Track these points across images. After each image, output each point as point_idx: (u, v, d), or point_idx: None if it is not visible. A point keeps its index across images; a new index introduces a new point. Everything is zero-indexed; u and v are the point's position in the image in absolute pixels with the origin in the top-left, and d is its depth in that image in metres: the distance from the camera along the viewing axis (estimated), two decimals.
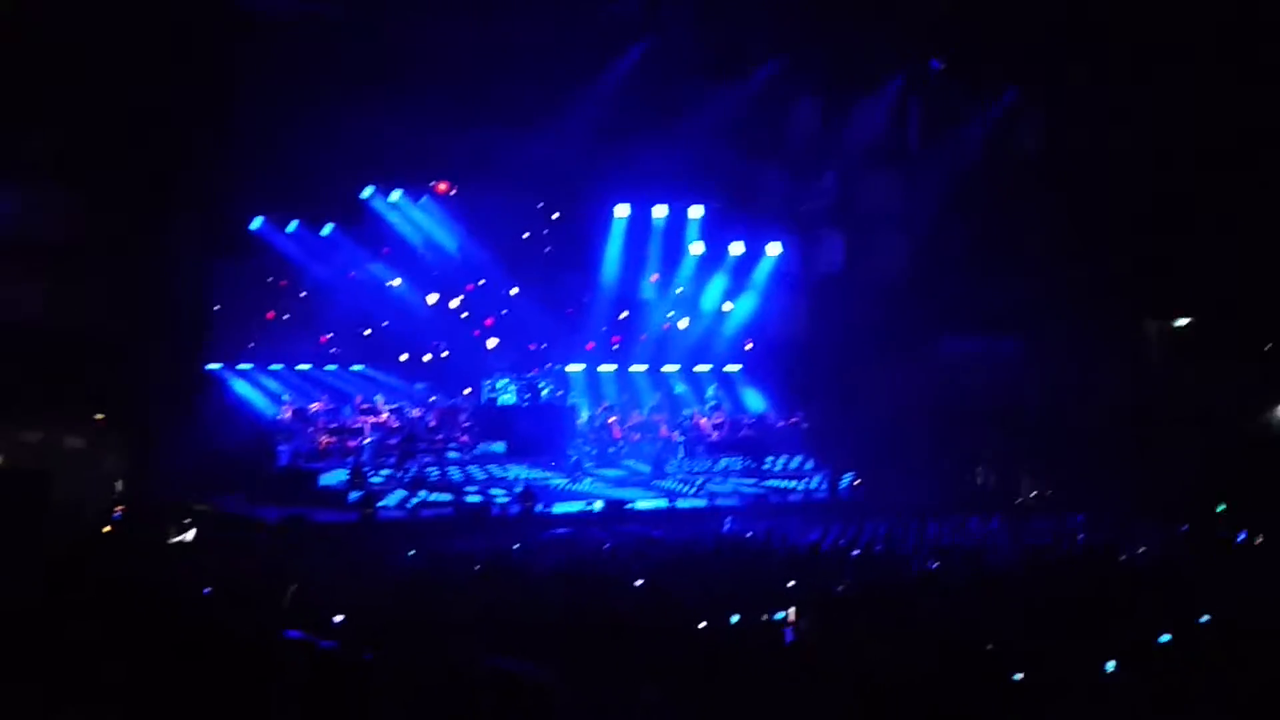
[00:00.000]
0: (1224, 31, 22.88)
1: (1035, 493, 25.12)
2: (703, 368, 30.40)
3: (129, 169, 21.87)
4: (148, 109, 21.37)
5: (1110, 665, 9.41)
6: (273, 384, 26.57)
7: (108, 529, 19.58)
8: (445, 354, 28.36)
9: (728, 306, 30.03)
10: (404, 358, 27.97)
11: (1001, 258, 26.25)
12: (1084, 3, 23.51)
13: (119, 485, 22.13)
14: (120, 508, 20.73)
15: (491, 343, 28.53)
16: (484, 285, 28.55)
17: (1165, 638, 10.23)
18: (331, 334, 27.67)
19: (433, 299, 27.96)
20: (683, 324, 30.18)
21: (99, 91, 20.97)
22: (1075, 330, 25.93)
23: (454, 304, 28.34)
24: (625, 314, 29.78)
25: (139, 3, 20.92)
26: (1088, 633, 10.78)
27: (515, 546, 17.07)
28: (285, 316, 27.23)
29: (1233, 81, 23.31)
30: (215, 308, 25.44)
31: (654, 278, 29.60)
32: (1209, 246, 24.61)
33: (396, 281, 27.81)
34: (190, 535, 18.55)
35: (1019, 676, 9.01)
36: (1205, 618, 10.44)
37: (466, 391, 27.51)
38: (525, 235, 28.81)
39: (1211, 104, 23.63)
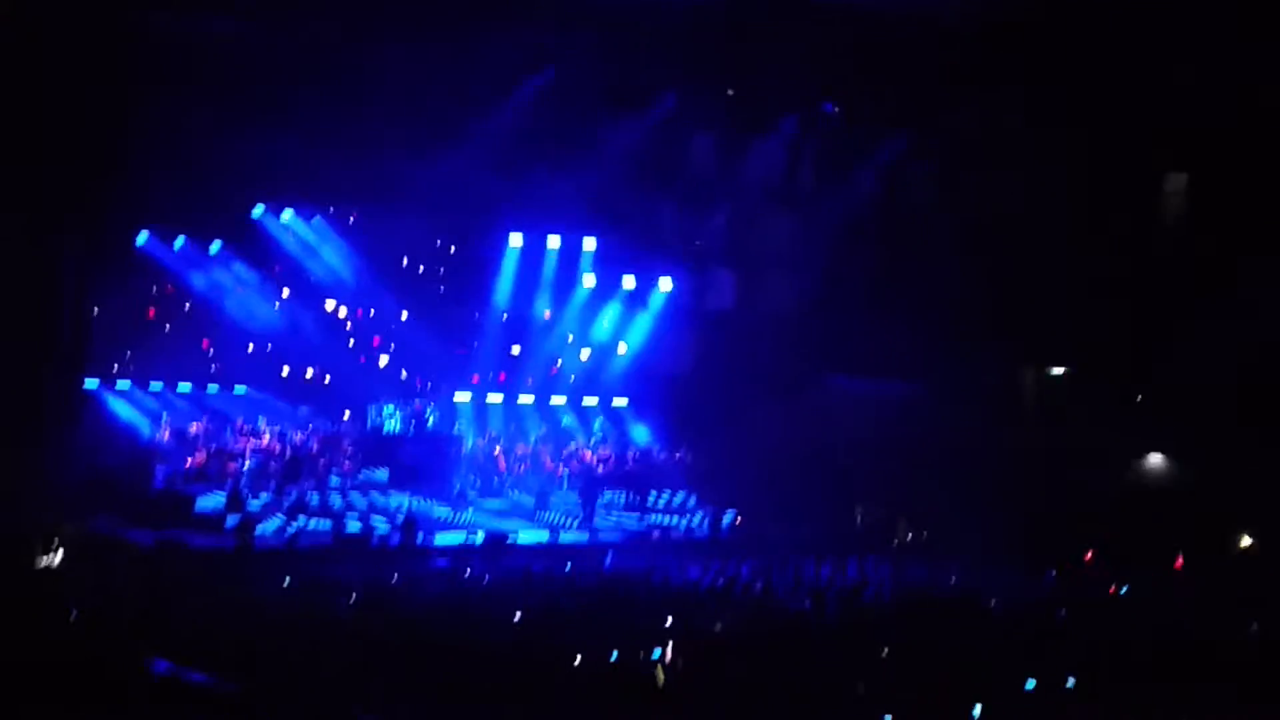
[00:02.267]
0: (1111, 75, 23.54)
1: (912, 535, 25.45)
2: (590, 400, 30.40)
3: (11, 179, 21.32)
4: (36, 117, 20.87)
5: (977, 710, 9.61)
6: (152, 403, 26.04)
7: None
8: (327, 379, 28.02)
9: (621, 347, 30.07)
10: (285, 371, 27.58)
11: (890, 300, 26.62)
12: (971, 49, 24.03)
13: None
14: None
15: (383, 360, 28.27)
16: (374, 309, 28.30)
17: (1030, 684, 10.48)
18: (213, 352, 27.22)
19: (328, 309, 27.65)
20: (584, 354, 30.14)
21: None
22: (957, 375, 26.35)
23: (341, 313, 28.03)
24: (516, 348, 29.67)
25: (32, 13, 20.45)
26: (956, 676, 10.99)
27: (394, 578, 16.91)
28: (167, 331, 26.73)
29: (1119, 127, 24.00)
30: (95, 322, 24.85)
31: (546, 314, 29.56)
32: (1088, 296, 25.22)
33: (282, 300, 27.44)
34: (58, 558, 18.05)
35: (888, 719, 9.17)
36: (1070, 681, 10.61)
37: (346, 415, 27.22)
38: (417, 265, 28.64)
39: (1098, 151, 24.30)
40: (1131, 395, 26.34)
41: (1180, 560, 21.70)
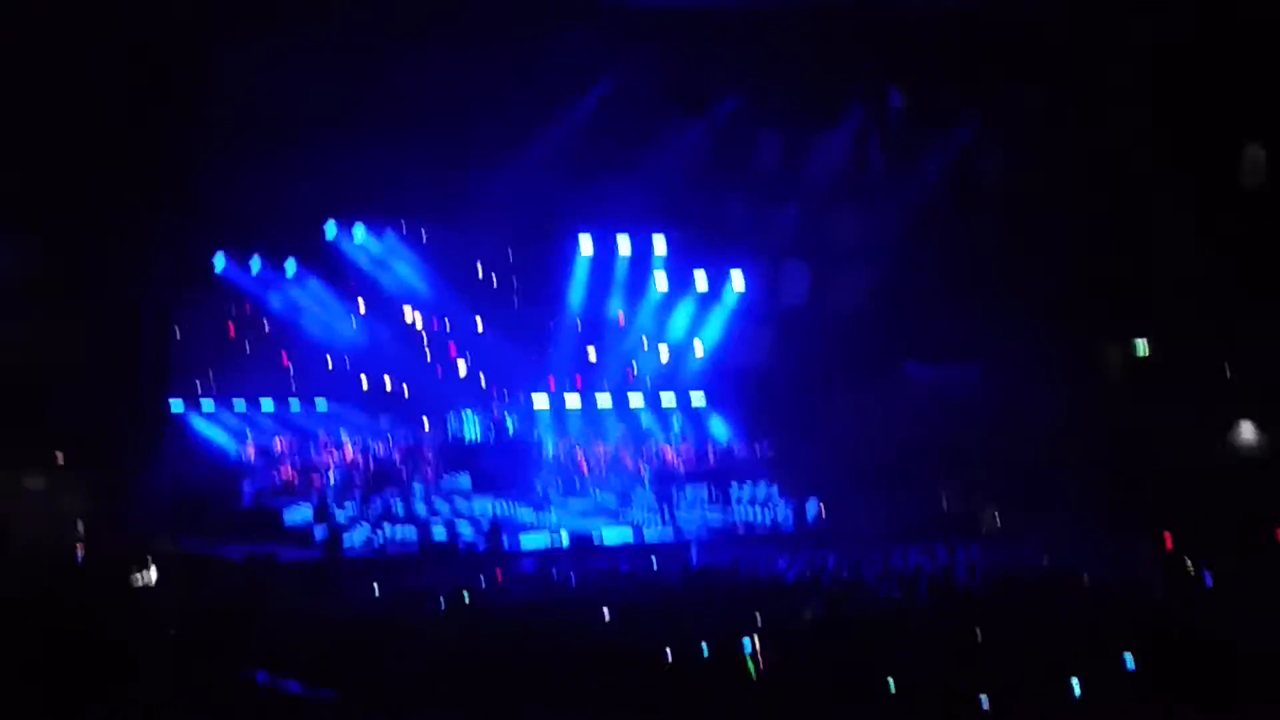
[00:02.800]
0: (1175, 58, 23.19)
1: (1000, 517, 25.19)
2: (668, 399, 30.41)
3: (89, 208, 21.73)
4: (108, 147, 21.26)
5: (1076, 686, 9.48)
6: (236, 422, 26.42)
7: (70, 571, 19.40)
8: (406, 390, 28.27)
9: (697, 345, 30.04)
10: (364, 383, 27.84)
11: (963, 285, 26.40)
12: (1039, 32, 23.77)
13: (80, 525, 21.90)
14: (81, 547, 20.52)
15: (461, 367, 28.48)
16: (449, 319, 28.53)
17: (1130, 661, 10.31)
18: (293, 369, 27.57)
19: (405, 319, 27.89)
20: (663, 354, 30.15)
21: (57, 130, 20.84)
22: (1036, 355, 26.07)
23: (418, 324, 28.27)
24: (593, 351, 29.74)
25: (100, 41, 20.83)
26: (1052, 654, 10.84)
27: (482, 583, 17.01)
28: (248, 352, 27.11)
29: (1185, 103, 23.63)
30: (177, 346, 25.27)
31: (620, 316, 29.62)
32: (1166, 270, 24.86)
33: (358, 315, 27.74)
34: (153, 576, 18.36)
35: (986, 703, 9.07)
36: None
37: (425, 424, 27.45)
38: (489, 274, 28.81)
39: (1166, 128, 23.93)
40: (1218, 368, 25.90)
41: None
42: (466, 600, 15.28)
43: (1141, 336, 27.35)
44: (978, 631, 11.94)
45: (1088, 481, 23.43)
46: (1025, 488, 24.58)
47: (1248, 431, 25.94)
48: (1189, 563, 17.15)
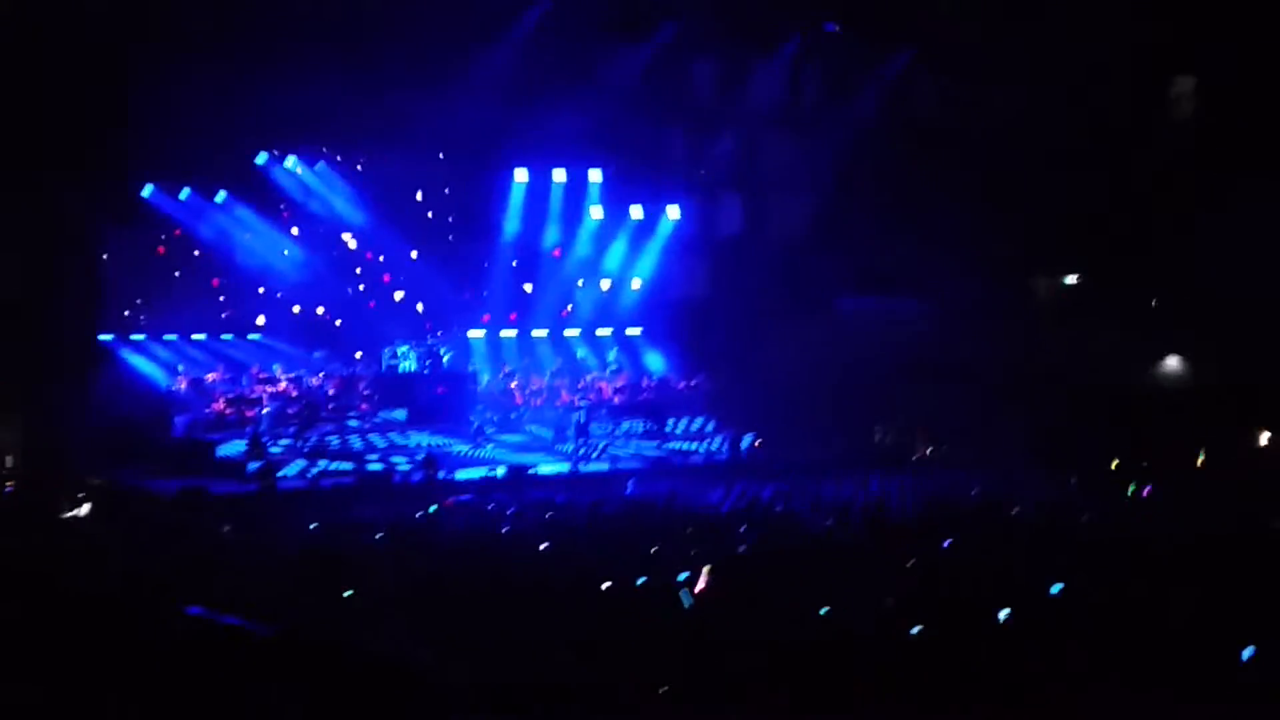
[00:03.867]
0: None
1: (932, 449, 25.54)
2: (604, 331, 30.42)
3: (15, 136, 21.29)
4: (35, 74, 20.80)
5: (1004, 613, 9.67)
6: (167, 354, 26.13)
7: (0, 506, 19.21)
8: (338, 322, 28.07)
9: (634, 280, 30.00)
10: (296, 310, 27.60)
11: (899, 218, 26.56)
12: None
13: (9, 460, 21.66)
14: (10, 483, 20.30)
15: (398, 296, 28.29)
16: (383, 250, 28.29)
17: (1057, 587, 10.53)
18: (226, 300, 27.26)
19: (346, 245, 27.64)
20: (604, 285, 30.07)
21: None
22: (970, 288, 26.35)
23: (351, 249, 28.05)
24: (529, 286, 29.64)
25: None
26: (983, 583, 11.06)
27: (418, 514, 17.02)
28: (179, 282, 26.76)
29: (1125, 32, 23.81)
30: (106, 277, 24.90)
31: (555, 253, 29.52)
32: (1097, 204, 25.14)
33: (290, 246, 27.44)
34: (85, 510, 18.21)
35: (916, 630, 9.22)
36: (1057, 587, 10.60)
37: (358, 355, 27.31)
38: (423, 205, 28.53)
39: (1103, 57, 24.11)
40: (1144, 300, 26.32)
41: (1201, 459, 21.74)
42: (404, 531, 15.30)
43: (1073, 268, 27.72)
44: (909, 561, 12.15)
45: (1020, 414, 23.79)
46: (957, 420, 24.91)
47: (1173, 362, 26.45)
48: (1121, 488, 17.58)
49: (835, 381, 25.96)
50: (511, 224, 28.89)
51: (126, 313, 25.95)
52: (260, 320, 27.49)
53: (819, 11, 26.93)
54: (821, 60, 27.76)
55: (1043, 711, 7.98)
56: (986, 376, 25.08)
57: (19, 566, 11.08)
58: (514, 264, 29.33)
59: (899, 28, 26.59)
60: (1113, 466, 20.82)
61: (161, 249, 26.45)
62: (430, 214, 28.77)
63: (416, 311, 28.53)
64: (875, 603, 10.26)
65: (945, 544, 13.27)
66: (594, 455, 24.60)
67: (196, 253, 26.74)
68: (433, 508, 17.45)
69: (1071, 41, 24.07)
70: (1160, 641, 8.92)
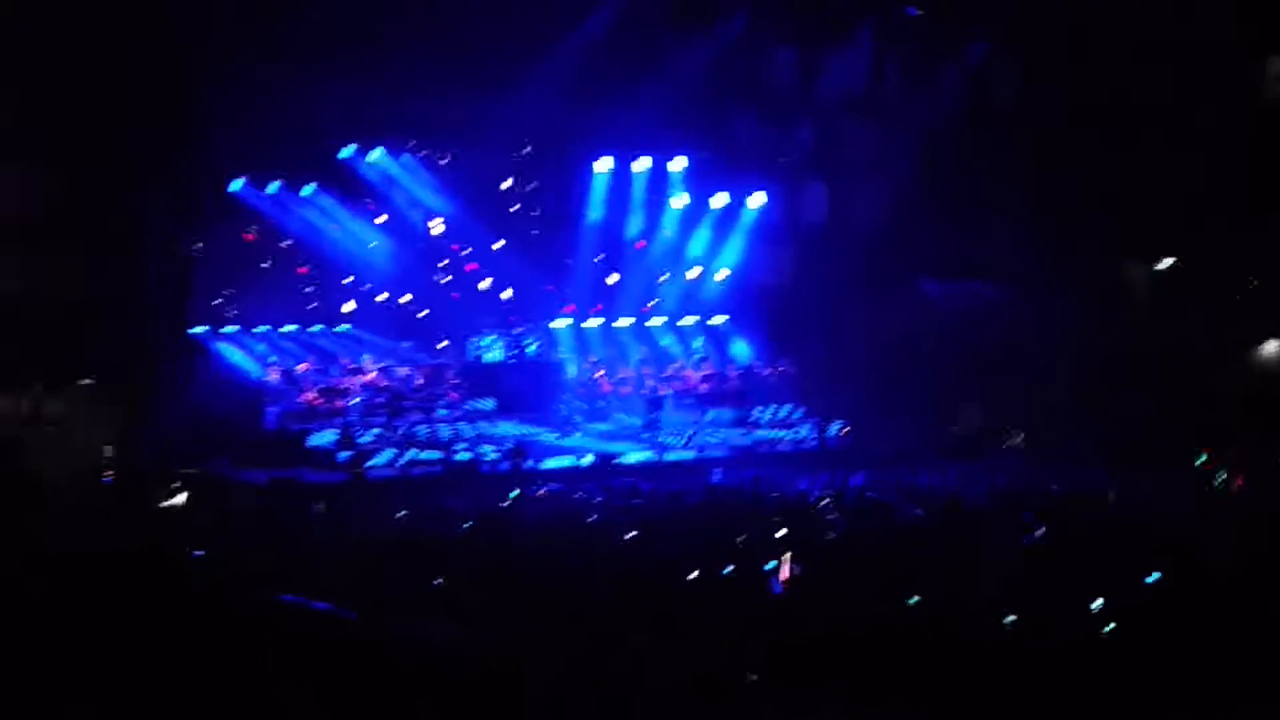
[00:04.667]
0: None
1: (1020, 437, 25.20)
2: (689, 320, 30.40)
3: (105, 136, 21.68)
4: (122, 74, 21.16)
5: (1098, 604, 9.52)
6: (258, 346, 26.51)
7: (98, 495, 19.61)
8: (424, 313, 28.31)
9: (718, 268, 29.93)
10: (383, 297, 27.88)
11: (982, 201, 26.24)
12: None
13: (108, 450, 22.11)
14: (109, 474, 20.71)
15: (484, 284, 28.46)
16: (469, 242, 28.50)
17: (1153, 577, 10.34)
18: (315, 292, 27.60)
19: (432, 231, 27.84)
20: (691, 274, 30.06)
21: (70, 58, 20.77)
22: (1057, 273, 25.98)
23: (437, 234, 28.30)
24: (614, 277, 29.71)
25: None
26: (1077, 573, 10.89)
27: (504, 504, 17.12)
28: (268, 275, 27.14)
29: (1213, 12, 23.33)
30: (196, 271, 25.30)
31: (639, 245, 29.56)
32: (1190, 186, 24.64)
33: (377, 239, 27.73)
34: (180, 500, 18.55)
35: (1011, 619, 9.11)
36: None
37: (442, 345, 27.52)
38: (507, 196, 28.68)
39: (1192, 38, 23.63)
40: (1240, 284, 25.75)
41: None
42: (491, 520, 15.40)
43: (1161, 253, 27.19)
44: (997, 550, 12.01)
45: (1108, 401, 23.39)
46: (1044, 406, 24.57)
47: (1271, 347, 25.84)
48: (1213, 478, 17.20)
49: (920, 367, 25.75)
50: (595, 214, 28.97)
51: (218, 305, 26.35)
52: (349, 306, 27.77)
53: None
54: (902, 44, 27.47)
55: (1136, 702, 7.84)
56: (1075, 363, 24.69)
57: (117, 554, 11.28)
58: (598, 255, 29.40)
59: (979, 10, 26.26)
60: (1200, 460, 20.36)
61: (253, 245, 26.81)
62: (515, 205, 28.91)
63: (501, 301, 28.70)
64: (967, 592, 10.16)
65: (1038, 533, 13.09)
66: (680, 444, 24.59)
67: (286, 245, 27.08)
68: (514, 493, 17.59)
69: (1160, 20, 23.60)
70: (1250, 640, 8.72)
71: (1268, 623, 9.01)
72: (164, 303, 23.72)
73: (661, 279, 30.15)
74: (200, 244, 25.10)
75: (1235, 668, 8.20)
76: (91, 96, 21.25)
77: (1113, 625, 9.07)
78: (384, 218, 27.78)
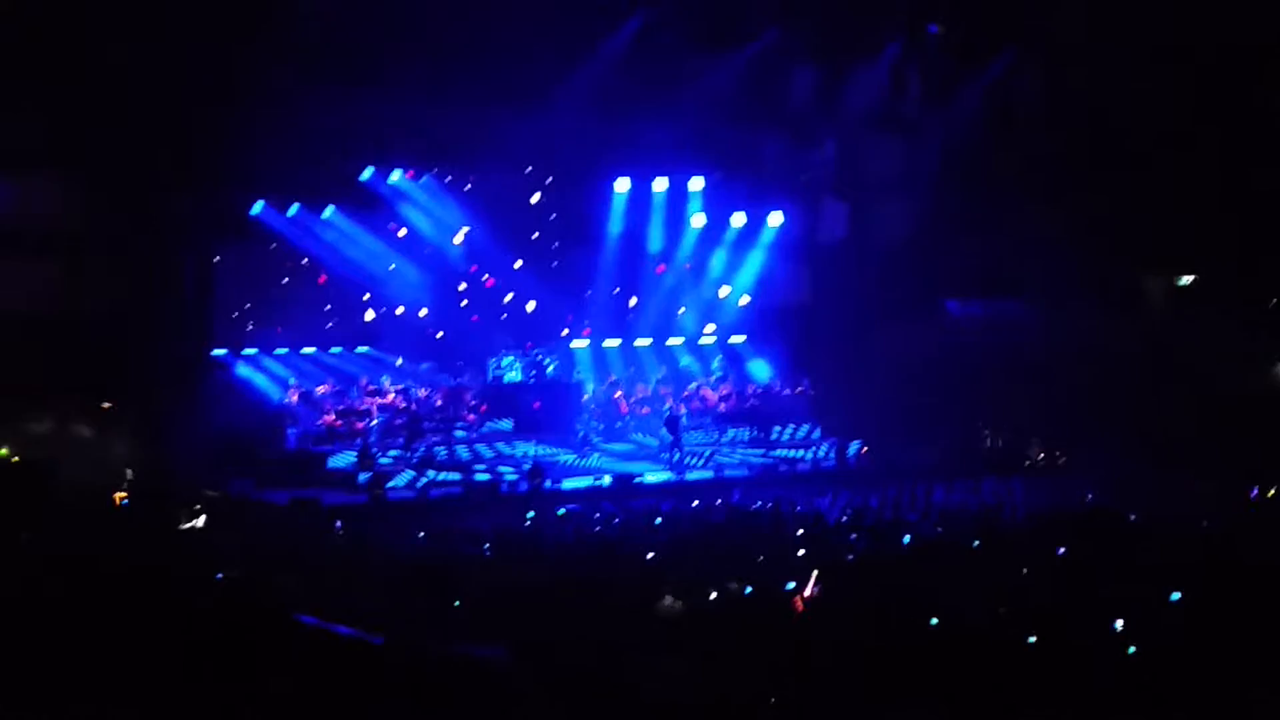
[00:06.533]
0: None
1: (1043, 454, 25.09)
2: (708, 339, 30.38)
3: (128, 155, 21.80)
4: (144, 95, 21.28)
5: (1118, 624, 9.44)
6: (278, 368, 26.59)
7: (117, 516, 19.63)
8: (439, 334, 28.37)
9: (739, 288, 29.93)
10: (400, 310, 27.95)
11: (1003, 219, 26.18)
12: None
13: (129, 473, 22.16)
14: (126, 495, 20.75)
15: (506, 299, 28.53)
16: (487, 263, 28.56)
17: (1176, 595, 10.26)
18: (334, 313, 27.70)
19: (447, 264, 27.89)
20: (709, 294, 30.08)
21: (95, 77, 20.90)
22: (1079, 289, 25.88)
23: (457, 273, 28.38)
24: (634, 301, 29.75)
25: None
26: (1098, 592, 10.82)
27: (526, 523, 17.10)
28: (288, 297, 27.25)
29: (1232, 25, 23.25)
30: (217, 292, 25.39)
31: (660, 269, 29.60)
32: (1210, 203, 24.54)
33: (396, 260, 27.81)
34: (201, 521, 18.57)
35: (1033, 639, 9.05)
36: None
37: (465, 367, 27.58)
38: (526, 217, 28.73)
39: (1210, 52, 23.56)
40: (1262, 299, 25.63)
41: None
42: (510, 540, 15.38)
43: (1184, 267, 27.09)
44: (1022, 569, 11.93)
45: (1133, 416, 23.26)
46: (1068, 424, 24.46)
47: None
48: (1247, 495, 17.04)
49: (943, 386, 25.65)
50: (614, 234, 28.99)
51: (240, 328, 26.45)
52: (369, 316, 27.80)
53: (921, 14, 26.63)
54: (923, 62, 27.45)
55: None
56: (1098, 379, 24.58)
57: (138, 575, 11.30)
58: (617, 274, 29.42)
59: (1001, 26, 26.23)
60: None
61: (271, 269, 26.92)
62: (532, 225, 28.98)
63: (521, 322, 28.73)
64: (988, 611, 10.10)
65: (1060, 551, 13.01)
66: (697, 464, 24.55)
67: (305, 268, 27.18)
68: (530, 514, 17.60)
69: (1179, 32, 23.55)
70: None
71: None
72: (186, 323, 23.81)
73: (680, 311, 30.18)
74: (221, 264, 25.18)
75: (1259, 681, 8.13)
76: (126, 112, 21.37)
77: (1134, 647, 8.99)
78: (402, 241, 27.86)
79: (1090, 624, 9.53)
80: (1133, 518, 15.81)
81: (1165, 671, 8.50)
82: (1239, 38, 23.46)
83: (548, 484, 22.38)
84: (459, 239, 28.32)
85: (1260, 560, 12.09)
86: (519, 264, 28.68)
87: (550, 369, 26.99)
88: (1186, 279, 27.24)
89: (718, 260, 29.79)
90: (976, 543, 14.11)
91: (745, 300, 30.03)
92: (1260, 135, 24.44)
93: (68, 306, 22.29)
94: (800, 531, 15.34)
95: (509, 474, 23.14)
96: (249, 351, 26.48)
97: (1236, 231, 24.75)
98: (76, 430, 22.70)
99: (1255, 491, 17.05)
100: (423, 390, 26.24)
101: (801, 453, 25.92)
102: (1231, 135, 24.38)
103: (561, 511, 17.91)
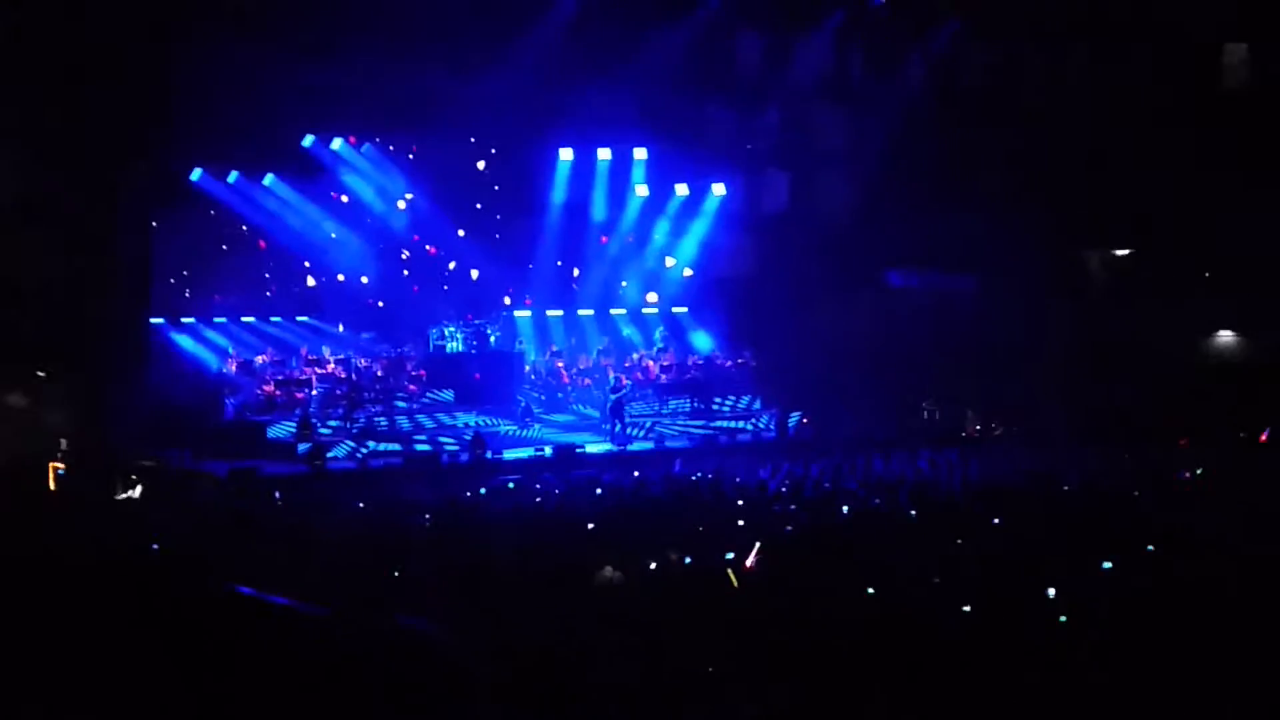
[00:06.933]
0: None
1: (981, 426, 25.36)
2: (650, 310, 30.40)
3: (63, 120, 21.48)
4: (80, 58, 20.97)
5: (1051, 592, 9.57)
6: (217, 337, 26.35)
7: (54, 486, 19.45)
8: (380, 304, 28.22)
9: (680, 259, 29.95)
10: (341, 278, 27.80)
11: (946, 193, 26.33)
12: None
13: (64, 443, 21.93)
14: (62, 464, 20.54)
15: (449, 268, 28.41)
16: (429, 233, 28.41)
17: (1108, 564, 10.43)
18: (273, 282, 27.48)
19: (389, 234, 27.73)
20: (668, 263, 30.05)
21: (28, 42, 20.57)
22: (1020, 263, 26.10)
23: (399, 242, 28.23)
24: (576, 271, 29.70)
25: None
26: (1033, 561, 10.96)
27: (468, 494, 17.08)
28: (228, 266, 27.01)
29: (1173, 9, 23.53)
30: (156, 260, 25.11)
31: (603, 239, 29.55)
32: (1149, 175, 24.81)
33: (336, 228, 27.61)
34: (137, 491, 18.42)
35: (967, 608, 9.15)
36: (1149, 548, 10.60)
37: (406, 337, 27.51)
38: (468, 186, 28.59)
39: (1153, 26, 23.81)
40: (1197, 272, 25.98)
41: (1265, 435, 21.47)
42: (450, 512, 15.36)
43: (1125, 240, 27.40)
44: (958, 539, 12.06)
45: (1070, 389, 23.55)
46: (1006, 396, 24.71)
47: (1226, 335, 26.13)
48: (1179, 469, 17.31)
49: (883, 358, 25.81)
50: (557, 203, 28.91)
51: (177, 297, 26.19)
52: (310, 283, 27.61)
53: None
54: (867, 33, 27.51)
55: (1086, 690, 7.90)
56: (1036, 351, 24.84)
57: (73, 546, 11.20)
58: (560, 244, 29.36)
59: None
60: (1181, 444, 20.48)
61: (210, 237, 26.67)
62: (475, 193, 28.85)
63: (463, 292, 28.63)
64: (923, 581, 10.20)
65: (994, 521, 13.16)
66: (637, 434, 24.59)
67: (245, 236, 26.94)
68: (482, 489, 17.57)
69: (1121, 8, 23.78)
70: (1207, 624, 8.78)
71: (1236, 611, 9.08)
72: (124, 291, 23.53)
73: (623, 283, 30.18)
74: (159, 231, 24.90)
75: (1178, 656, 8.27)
76: (54, 79, 21.04)
77: (1065, 616, 9.12)
78: (343, 209, 27.66)
79: (1024, 593, 9.64)
80: (1066, 488, 16.03)
81: (1096, 638, 8.63)
82: (1181, 15, 23.71)
83: (489, 455, 22.36)
84: (402, 206, 28.15)
85: (1185, 530, 12.28)
86: (462, 233, 28.54)
87: (492, 339, 26.92)
88: (1123, 251, 27.55)
89: (661, 231, 29.79)
90: (914, 513, 14.22)
91: (688, 272, 30.07)
92: (1200, 108, 24.72)
93: (3, 274, 21.97)
94: (740, 502, 15.42)
95: (450, 445, 23.10)
96: (187, 320, 26.25)
97: (1173, 206, 25.04)
98: (11, 399, 22.40)
99: (1185, 474, 17.29)
100: (363, 360, 26.09)
101: (743, 423, 26.04)
102: (1171, 112, 24.63)
103: (511, 485, 17.89)
